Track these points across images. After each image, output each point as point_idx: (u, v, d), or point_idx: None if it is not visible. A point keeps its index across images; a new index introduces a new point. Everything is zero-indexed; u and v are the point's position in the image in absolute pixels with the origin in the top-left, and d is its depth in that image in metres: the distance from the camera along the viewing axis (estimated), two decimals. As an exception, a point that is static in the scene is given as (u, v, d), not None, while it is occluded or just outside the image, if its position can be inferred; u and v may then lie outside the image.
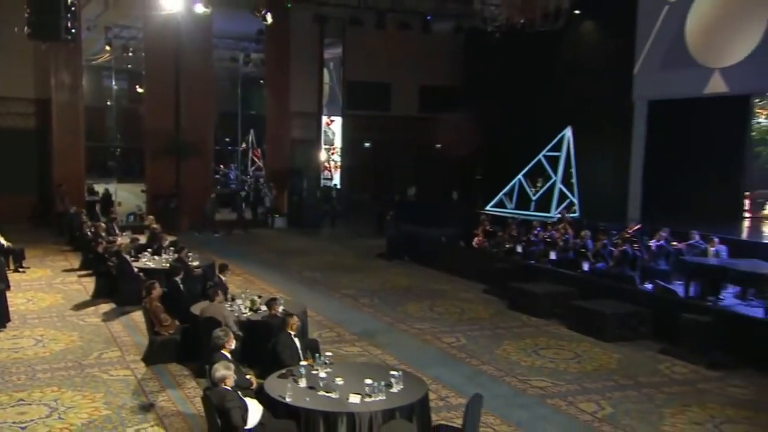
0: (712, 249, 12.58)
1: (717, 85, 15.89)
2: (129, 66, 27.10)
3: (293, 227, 21.60)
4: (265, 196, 22.17)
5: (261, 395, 6.40)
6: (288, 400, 6.10)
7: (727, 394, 8.18)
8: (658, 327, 10.31)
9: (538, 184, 19.75)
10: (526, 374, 8.79)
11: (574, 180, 19.37)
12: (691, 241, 13.40)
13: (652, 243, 13.67)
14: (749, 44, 15.17)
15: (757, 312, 10.31)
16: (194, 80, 20.73)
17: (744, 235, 15.46)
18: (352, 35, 21.91)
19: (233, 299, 9.38)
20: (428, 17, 19.68)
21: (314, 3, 19.47)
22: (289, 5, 19.93)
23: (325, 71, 25.26)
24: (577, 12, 18.49)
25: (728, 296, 11.61)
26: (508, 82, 21.30)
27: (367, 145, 24.34)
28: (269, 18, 17.65)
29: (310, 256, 17.20)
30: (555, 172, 19.35)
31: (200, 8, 16.59)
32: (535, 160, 19.77)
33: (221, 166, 28.75)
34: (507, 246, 15.04)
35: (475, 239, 15.94)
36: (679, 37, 16.70)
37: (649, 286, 11.95)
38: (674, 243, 13.56)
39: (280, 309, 8.53)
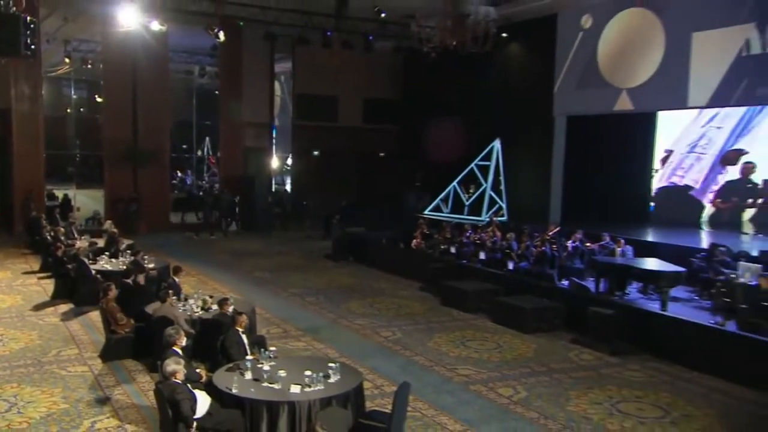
0: (619, 249, 12.89)
1: (624, 103, 16.30)
2: (88, 77, 26.66)
3: (246, 230, 21.39)
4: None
5: (210, 387, 6.45)
6: (234, 391, 6.20)
7: (624, 378, 8.49)
8: (570, 319, 10.50)
9: (471, 191, 19.91)
10: (453, 364, 8.93)
11: (502, 187, 19.55)
12: (602, 242, 13.63)
13: (569, 244, 13.82)
14: (651, 68, 15.63)
15: (655, 305, 10.73)
16: (151, 91, 20.40)
17: (649, 236, 15.89)
18: (301, 52, 21.87)
19: (186, 299, 9.36)
20: (370, 37, 19.80)
21: (264, 22, 19.44)
22: (241, 24, 19.88)
23: (277, 84, 25.23)
24: (504, 35, 18.70)
25: (633, 291, 11.95)
26: (444, 97, 21.45)
27: (315, 153, 24.37)
28: (222, 36, 17.57)
29: (261, 258, 17.02)
30: (485, 179, 19.56)
31: (156, 26, 16.43)
32: (468, 168, 19.93)
33: (178, 172, 28.45)
34: (442, 247, 15.02)
35: (414, 241, 15.91)
36: (593, 61, 17.06)
37: (565, 282, 12.15)
38: (588, 244, 13.79)
39: (230, 308, 8.53)
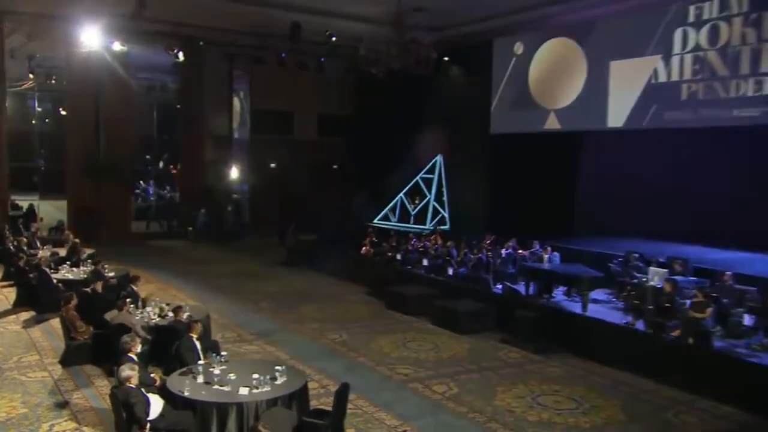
0: (546, 256, 13.13)
1: (552, 123, 16.66)
2: (52, 91, 26.04)
3: (206, 239, 21.10)
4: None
5: (164, 391, 6.48)
6: (186, 394, 6.22)
7: (545, 373, 8.81)
8: (501, 321, 10.76)
9: (416, 201, 20.10)
10: (393, 363, 9.06)
11: (445, 198, 19.79)
12: (532, 249, 13.80)
13: (503, 251, 13.98)
14: (575, 91, 16.02)
15: (576, 307, 10.93)
16: (114, 106, 20.05)
17: (574, 244, 15.98)
18: (258, 70, 21.82)
19: (144, 306, 9.33)
20: (322, 59, 19.94)
21: (222, 44, 19.43)
22: (201, 44, 19.78)
23: (237, 99, 25.03)
24: (446, 59, 19.00)
25: (559, 294, 11.97)
26: (392, 114, 21.32)
27: (272, 165, 24.30)
28: (181, 56, 17.52)
29: (219, 265, 16.81)
30: (429, 191, 19.78)
31: (118, 46, 16.29)
32: (414, 181, 20.16)
33: (141, 182, 27.99)
34: (389, 254, 15.09)
35: (363, 248, 15.94)
36: (524, 84, 17.34)
37: (499, 287, 12.26)
38: (520, 251, 13.96)
39: (185, 315, 8.53)
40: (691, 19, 13.62)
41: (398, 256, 14.82)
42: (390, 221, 20.17)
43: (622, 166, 17.42)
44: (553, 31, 16.65)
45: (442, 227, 18.55)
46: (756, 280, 10.68)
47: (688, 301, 9.56)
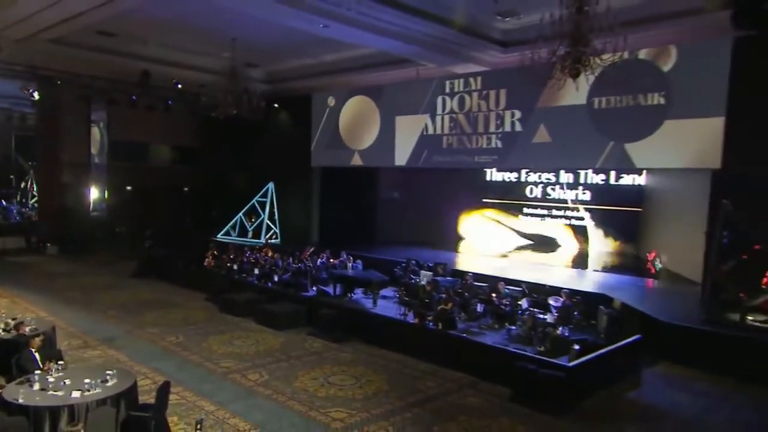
0: (350, 264, 13.80)
1: (357, 160, 17.64)
2: None
3: (63, 254, 19.30)
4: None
5: (1, 400, 6.04)
6: (21, 401, 5.88)
7: (338, 358, 9.22)
8: (310, 318, 11.06)
9: (253, 220, 20.07)
10: (219, 359, 8.98)
11: (276, 217, 19.98)
12: (340, 259, 14.39)
13: (318, 260, 14.41)
14: (373, 137, 17.18)
15: (369, 303, 11.48)
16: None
17: (374, 253, 16.68)
18: (114, 108, 20.53)
19: (-11, 322, 8.56)
20: (169, 101, 19.27)
21: (78, 86, 18.04)
22: (59, 82, 18.08)
23: (97, 129, 23.10)
24: (276, 105, 19.42)
25: (358, 294, 12.28)
26: (232, 148, 21.39)
27: (129, 188, 22.83)
28: (36, 95, 15.96)
29: (74, 278, 15.45)
30: (263, 211, 19.88)
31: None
32: (251, 203, 20.13)
33: (3, 201, 24.90)
34: (227, 265, 14.86)
35: (206, 261, 15.52)
36: (336, 129, 18.16)
37: (314, 289, 12.53)
38: (331, 260, 14.48)
39: (28, 329, 8.02)
40: (447, 90, 15.38)
41: (235, 267, 14.65)
42: (230, 236, 19.89)
43: (408, 193, 18.97)
44: (355, 91, 17.66)
45: (273, 241, 18.70)
46: (487, 278, 12.31)
47: (442, 296, 10.66)
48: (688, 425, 7.24)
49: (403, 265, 13.90)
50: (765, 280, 9.25)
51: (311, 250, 15.71)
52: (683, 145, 11.29)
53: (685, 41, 11.26)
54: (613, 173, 14.80)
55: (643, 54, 11.63)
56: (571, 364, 7.86)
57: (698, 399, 7.99)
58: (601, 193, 15.11)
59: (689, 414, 7.54)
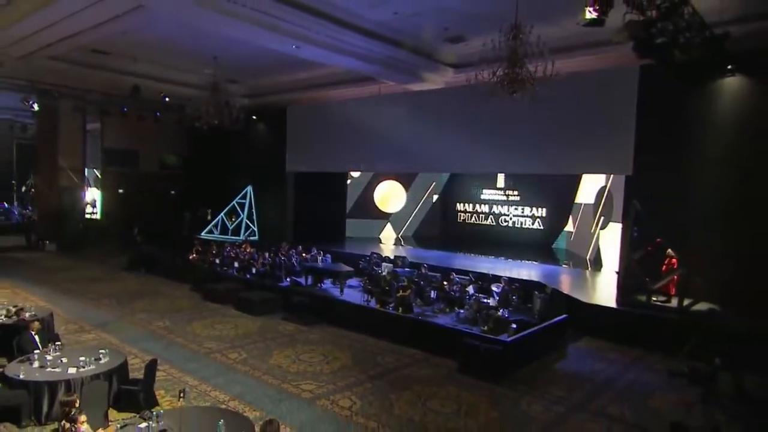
0: (320, 257, 13.83)
1: (323, 166, 17.77)
2: None
3: (61, 250, 18.75)
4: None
5: (3, 377, 6.12)
6: (21, 376, 5.96)
7: (308, 339, 9.37)
8: (284, 305, 11.15)
9: (233, 219, 19.93)
10: (202, 341, 9.03)
11: (254, 217, 19.89)
12: (311, 253, 14.38)
13: (292, 255, 14.37)
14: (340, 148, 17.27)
15: (336, 292, 11.66)
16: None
17: (343, 248, 17.00)
18: (107, 118, 20.09)
19: (-6, 310, 8.46)
20: (157, 113, 19.01)
21: (74, 98, 17.69)
22: (56, 95, 17.65)
23: (92, 137, 22.51)
24: (254, 117, 19.34)
25: (327, 283, 12.51)
26: (216, 154, 21.26)
27: (121, 191, 22.36)
28: (36, 107, 15.59)
29: (70, 272, 15.16)
30: (243, 212, 19.78)
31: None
32: (231, 204, 19.98)
33: (5, 203, 24.08)
34: (210, 259, 14.82)
35: (191, 256, 15.48)
36: (311, 139, 18.11)
37: (288, 280, 12.70)
38: (303, 254, 14.51)
39: (27, 314, 8.05)
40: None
41: (217, 261, 14.64)
42: (213, 234, 19.72)
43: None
44: (323, 105, 17.76)
45: (251, 238, 18.62)
46: (439, 269, 12.65)
47: (402, 284, 10.93)
48: (602, 386, 7.75)
49: (367, 258, 14.09)
50: (664, 267, 9.91)
51: (287, 245, 15.79)
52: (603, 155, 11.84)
53: (604, 66, 11.86)
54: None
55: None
56: (508, 339, 8.27)
57: (612, 366, 8.54)
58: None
59: (604, 377, 8.07)
